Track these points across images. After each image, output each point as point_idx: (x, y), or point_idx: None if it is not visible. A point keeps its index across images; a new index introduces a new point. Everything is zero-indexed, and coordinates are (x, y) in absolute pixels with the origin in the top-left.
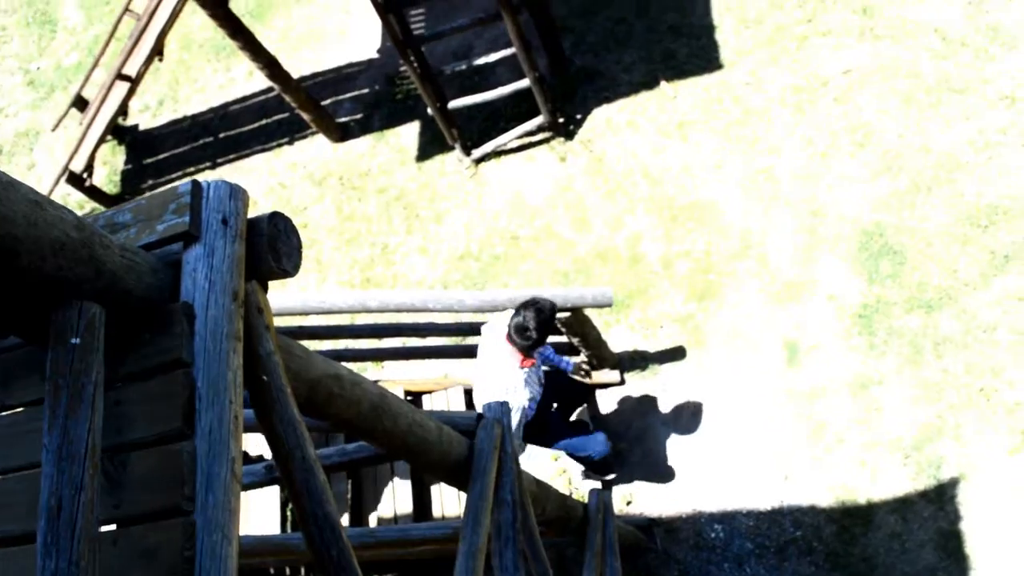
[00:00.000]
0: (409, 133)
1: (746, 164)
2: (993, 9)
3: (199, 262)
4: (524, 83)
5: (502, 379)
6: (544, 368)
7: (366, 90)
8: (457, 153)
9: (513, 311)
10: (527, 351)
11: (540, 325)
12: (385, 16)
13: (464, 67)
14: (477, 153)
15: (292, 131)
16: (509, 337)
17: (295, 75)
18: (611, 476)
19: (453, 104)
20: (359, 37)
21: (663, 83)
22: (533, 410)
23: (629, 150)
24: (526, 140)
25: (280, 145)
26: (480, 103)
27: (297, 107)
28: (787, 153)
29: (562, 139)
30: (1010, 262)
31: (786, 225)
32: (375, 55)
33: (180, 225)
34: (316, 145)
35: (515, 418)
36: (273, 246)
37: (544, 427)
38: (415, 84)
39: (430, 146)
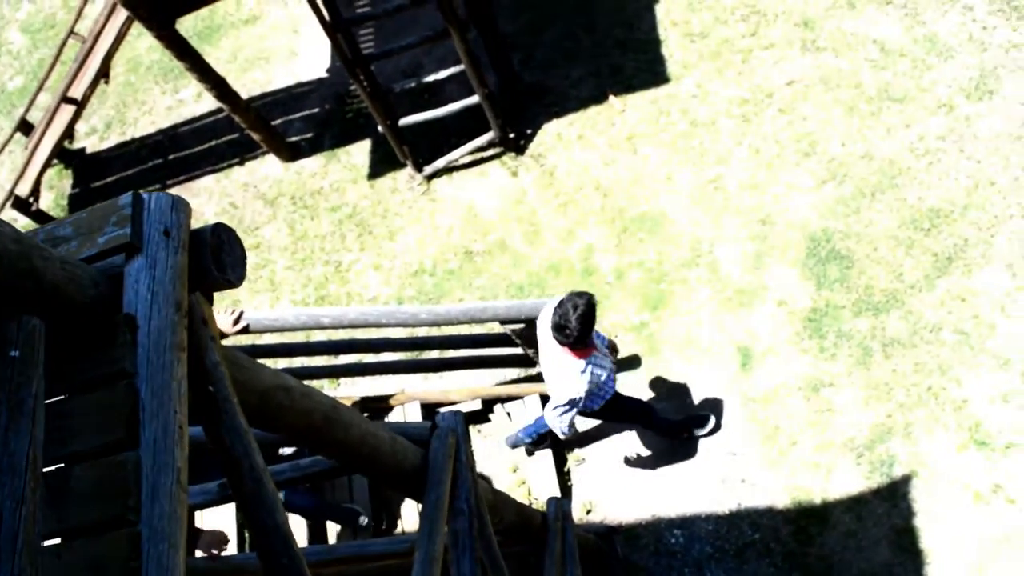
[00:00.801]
0: (360, 151)
1: (695, 175)
2: (929, 20)
3: (141, 273)
4: (474, 99)
5: (560, 371)
6: None
7: (316, 109)
8: (409, 170)
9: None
10: (573, 346)
11: (580, 319)
12: (333, 36)
13: (414, 85)
14: (429, 169)
15: (242, 152)
16: (554, 338)
17: (244, 96)
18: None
19: (404, 121)
20: (308, 57)
21: (611, 97)
22: (612, 387)
23: (580, 164)
24: (477, 156)
25: (231, 166)
26: (430, 120)
27: (247, 127)
28: (735, 163)
29: (513, 154)
30: (952, 263)
31: (736, 233)
32: (325, 74)
33: (121, 237)
34: (267, 165)
35: (564, 417)
36: (217, 257)
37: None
38: (365, 102)
39: (382, 164)
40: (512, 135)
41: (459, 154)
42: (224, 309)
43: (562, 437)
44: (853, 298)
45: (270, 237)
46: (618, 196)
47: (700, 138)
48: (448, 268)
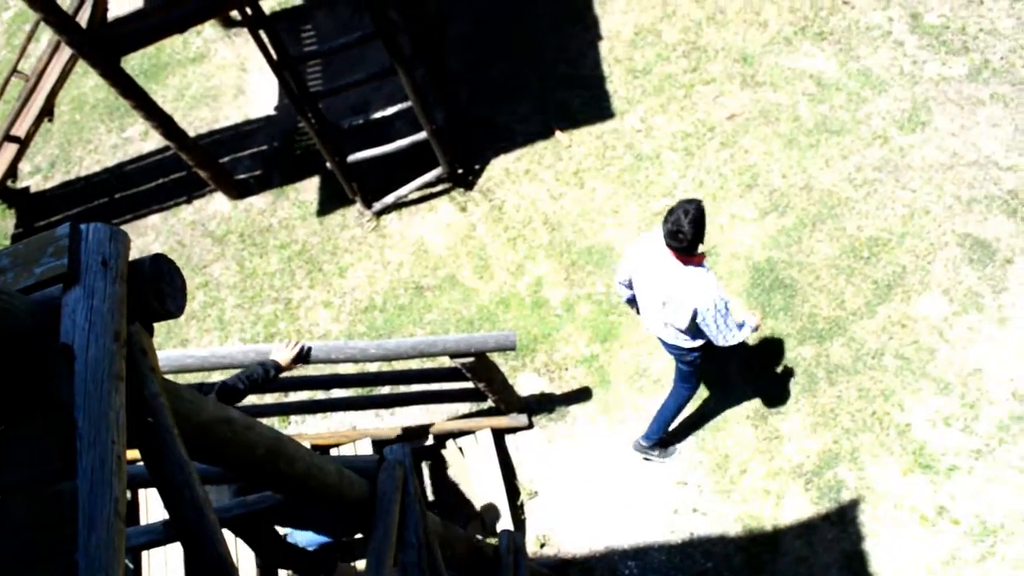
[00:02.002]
0: (309, 188)
1: (641, 207)
2: (862, 55)
3: (78, 304)
4: (422, 136)
5: (688, 284)
6: None
7: (265, 147)
8: (358, 206)
9: (664, 216)
10: (688, 252)
11: (692, 223)
12: (281, 73)
13: (362, 121)
14: (378, 206)
15: (190, 189)
16: (668, 246)
17: (192, 134)
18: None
19: (352, 158)
20: (256, 94)
21: (558, 133)
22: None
23: (528, 198)
24: (426, 191)
25: (178, 204)
26: (379, 156)
27: (194, 165)
28: (679, 195)
29: (462, 189)
30: (892, 291)
31: None
32: (273, 112)
33: (58, 267)
34: (215, 203)
35: (729, 322)
36: (156, 287)
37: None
38: (313, 139)
39: (331, 200)
40: (461, 171)
41: (408, 190)
42: (284, 343)
43: (731, 343)
44: (797, 326)
45: (218, 275)
46: (566, 230)
47: (645, 171)
48: (398, 304)
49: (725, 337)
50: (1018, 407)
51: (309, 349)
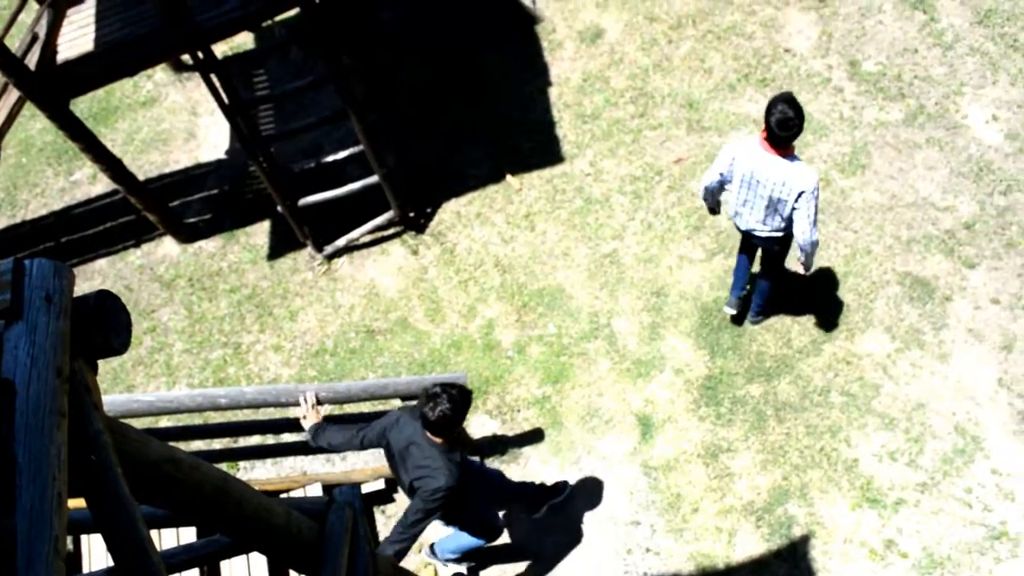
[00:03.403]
0: (260, 232)
1: (591, 250)
2: (804, 101)
3: (21, 339)
4: (373, 179)
5: (788, 172)
6: None
7: (215, 190)
8: (309, 250)
9: (766, 113)
10: (789, 143)
11: (798, 112)
12: (232, 117)
13: (314, 165)
14: (329, 249)
15: (138, 233)
16: (770, 139)
17: (141, 177)
18: None
19: (303, 202)
20: (207, 138)
21: (509, 176)
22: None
23: (479, 241)
24: (378, 235)
25: (126, 248)
26: (330, 200)
27: (143, 209)
28: (629, 238)
29: (414, 233)
30: (836, 328)
31: (632, 305)
32: (224, 156)
33: (1, 302)
34: (164, 247)
35: (806, 206)
36: (100, 324)
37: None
38: (265, 183)
39: (282, 244)
40: (412, 214)
41: (359, 233)
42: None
43: (814, 238)
44: (746, 365)
45: (166, 320)
46: (517, 272)
47: (595, 214)
48: (350, 347)
49: (812, 229)
50: (961, 440)
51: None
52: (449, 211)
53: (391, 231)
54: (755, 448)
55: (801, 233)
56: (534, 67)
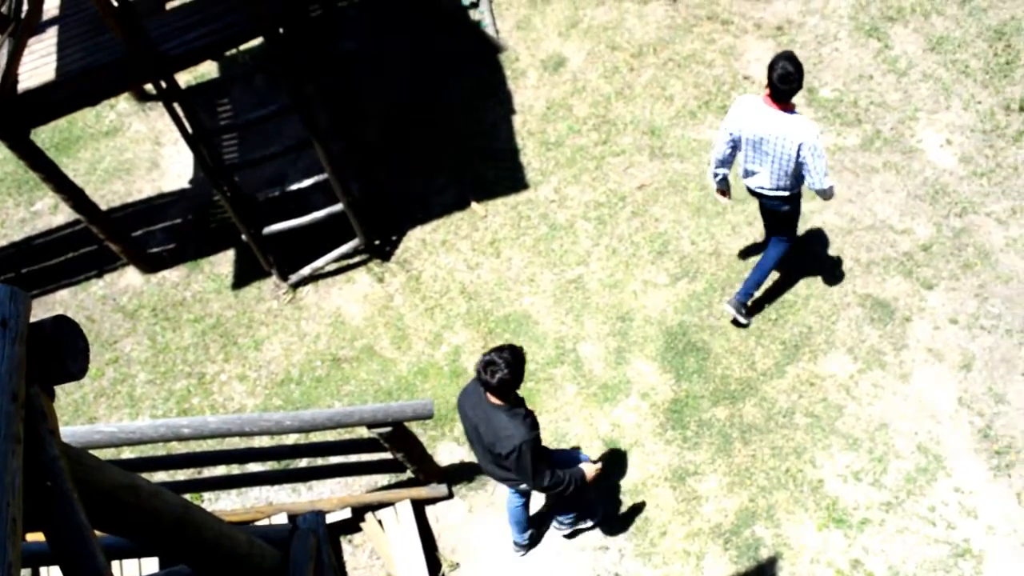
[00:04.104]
0: (224, 261)
1: (557, 276)
2: None
3: None
4: (338, 207)
5: (789, 127)
6: None
7: (179, 220)
8: (274, 279)
9: (768, 70)
10: (790, 96)
11: (797, 67)
12: (196, 146)
13: (278, 193)
14: (294, 278)
15: (101, 264)
16: (772, 93)
17: (104, 207)
18: None
19: (268, 230)
20: (171, 168)
21: (474, 204)
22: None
23: (445, 268)
24: (343, 263)
25: (88, 279)
26: (295, 228)
27: (105, 239)
28: (593, 263)
29: (379, 260)
30: (799, 351)
31: (597, 330)
32: (188, 185)
33: None
34: (127, 277)
35: (811, 156)
36: (57, 349)
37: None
38: (229, 212)
39: (246, 273)
40: (378, 242)
41: (325, 261)
42: None
43: (826, 186)
44: (711, 388)
45: (129, 351)
46: (483, 299)
47: (560, 240)
48: (315, 376)
49: (823, 177)
50: (923, 459)
51: None
52: (414, 238)
53: (356, 259)
54: (722, 471)
55: (813, 183)
56: (498, 95)
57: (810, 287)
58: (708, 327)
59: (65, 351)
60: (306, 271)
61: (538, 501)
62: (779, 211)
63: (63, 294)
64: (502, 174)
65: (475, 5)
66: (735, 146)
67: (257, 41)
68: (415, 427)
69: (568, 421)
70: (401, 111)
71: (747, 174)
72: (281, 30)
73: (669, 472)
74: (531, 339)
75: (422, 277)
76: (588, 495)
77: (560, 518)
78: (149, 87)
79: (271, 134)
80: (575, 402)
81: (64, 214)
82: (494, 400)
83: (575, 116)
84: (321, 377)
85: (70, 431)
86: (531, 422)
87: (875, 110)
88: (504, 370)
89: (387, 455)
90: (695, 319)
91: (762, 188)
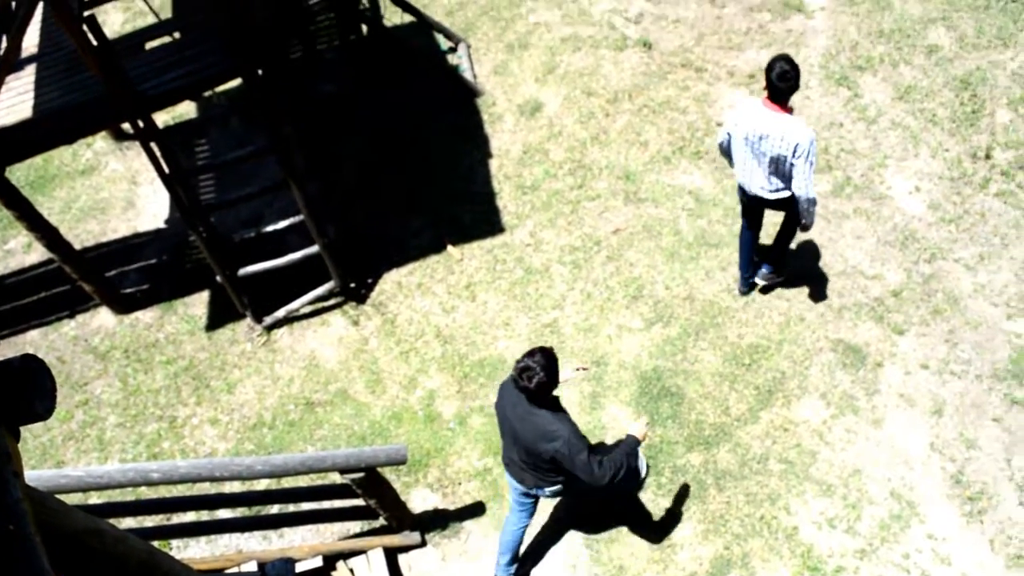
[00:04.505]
0: (198, 302)
1: (532, 319)
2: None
3: None
4: (314, 249)
5: (785, 128)
6: None
7: (154, 260)
8: (248, 321)
9: (766, 71)
10: (789, 95)
11: (794, 67)
12: (172, 186)
13: (254, 235)
14: (269, 320)
15: (73, 304)
16: (771, 93)
17: (78, 246)
18: None
19: (243, 272)
20: (146, 207)
21: (450, 247)
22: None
23: (420, 311)
24: (319, 305)
25: (59, 319)
26: (270, 270)
27: (78, 279)
28: (568, 307)
29: (355, 303)
30: (773, 396)
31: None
32: (163, 225)
33: None
34: (99, 318)
35: (804, 159)
36: (24, 389)
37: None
38: (204, 253)
39: (221, 315)
40: (353, 284)
41: (299, 304)
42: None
43: (811, 194)
44: (685, 433)
45: (100, 393)
46: (458, 342)
47: (535, 284)
48: (288, 420)
49: (808, 184)
50: (896, 506)
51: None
52: (390, 281)
53: (332, 301)
54: (696, 518)
55: (798, 189)
56: (475, 139)
57: (783, 332)
58: (682, 372)
59: (32, 391)
60: (281, 313)
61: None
62: (787, 210)
63: (33, 334)
64: (478, 217)
65: (453, 50)
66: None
67: (236, 82)
68: (388, 473)
69: None
70: (379, 154)
71: (743, 178)
72: (260, 72)
73: (644, 520)
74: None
75: (397, 320)
76: (634, 461)
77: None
78: (126, 126)
79: (248, 175)
80: None
81: (37, 253)
82: (533, 403)
83: (551, 160)
84: (294, 421)
85: (36, 475)
86: (570, 418)
87: (845, 157)
88: (540, 373)
89: (360, 501)
90: (669, 364)
91: (763, 191)
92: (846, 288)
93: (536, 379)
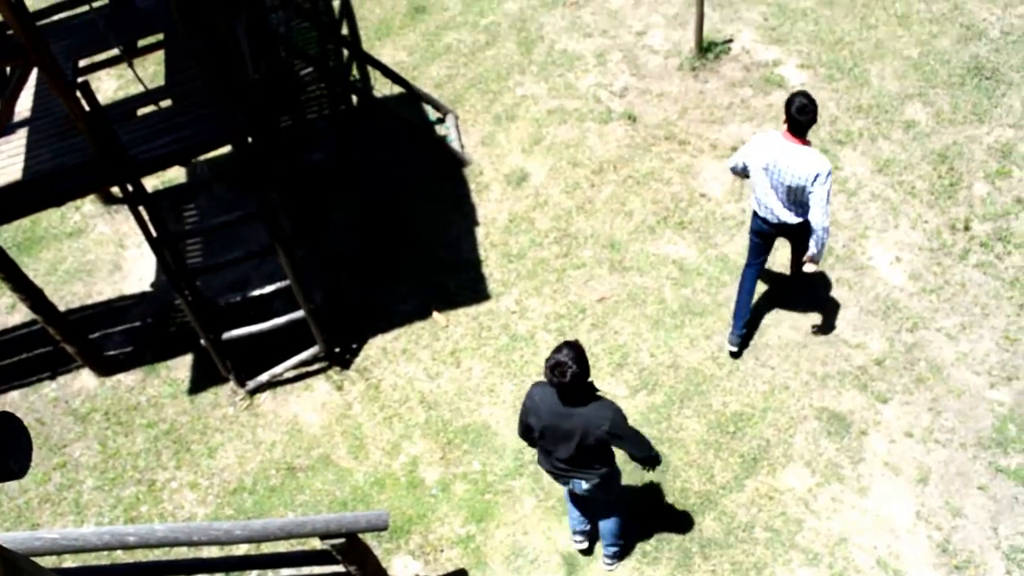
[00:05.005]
0: (182, 366)
1: (517, 386)
2: (719, 243)
3: None
4: (299, 314)
5: (803, 160)
6: None
7: (138, 323)
8: (231, 384)
9: (786, 105)
10: (807, 128)
11: (811, 101)
12: (159, 250)
13: (239, 299)
14: (252, 384)
15: (55, 365)
16: (791, 126)
17: (63, 308)
18: None
19: (227, 335)
20: (133, 270)
21: (436, 313)
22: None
23: (405, 377)
24: (303, 369)
25: (40, 380)
26: (255, 334)
27: (61, 340)
28: None
29: (339, 368)
30: (758, 464)
31: None
32: (149, 288)
33: None
34: (81, 380)
35: (823, 187)
36: None
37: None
38: (189, 316)
39: (204, 378)
40: (338, 349)
41: (283, 368)
42: None
43: (826, 223)
44: (670, 501)
45: (78, 455)
46: (443, 409)
47: (520, 351)
48: (269, 485)
49: (824, 215)
50: (883, 575)
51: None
52: (375, 347)
53: (316, 366)
54: None
55: (814, 217)
56: (462, 208)
57: (767, 400)
58: (667, 440)
59: (6, 449)
60: (264, 377)
61: None
62: (796, 241)
63: (14, 395)
64: (464, 285)
65: (441, 121)
66: (745, 170)
67: (226, 149)
68: (370, 539)
69: (526, 535)
70: (366, 220)
71: (762, 206)
72: (250, 140)
73: None
74: (490, 450)
75: (381, 386)
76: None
77: (615, 543)
78: (116, 190)
79: (236, 239)
80: (534, 515)
81: (21, 313)
82: (571, 396)
83: (537, 229)
84: (275, 486)
85: (10, 536)
86: (609, 400)
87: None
88: (573, 366)
89: (340, 568)
90: (654, 431)
91: (788, 220)
92: (830, 356)
93: (570, 372)
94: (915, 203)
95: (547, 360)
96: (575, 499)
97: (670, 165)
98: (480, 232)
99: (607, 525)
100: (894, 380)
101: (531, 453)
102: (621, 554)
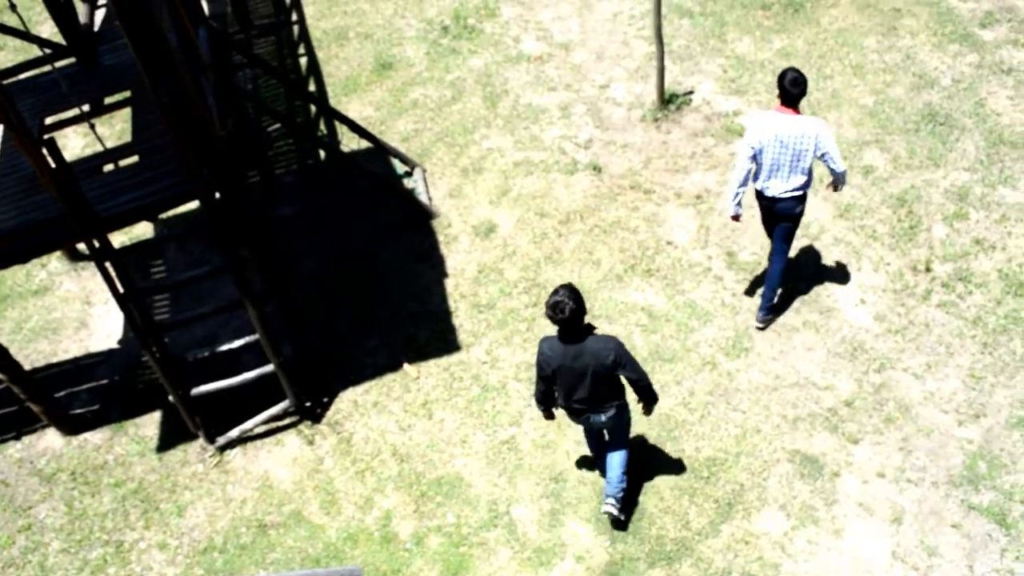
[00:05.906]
0: (150, 423)
1: (489, 437)
2: (687, 289)
3: None
4: (269, 368)
5: (803, 127)
6: None
7: (105, 380)
8: (201, 441)
9: (779, 80)
10: (799, 99)
11: (802, 74)
12: (125, 306)
13: (208, 354)
14: (222, 440)
15: (20, 425)
16: (784, 99)
17: (28, 367)
18: None
19: (196, 391)
20: (99, 328)
21: (406, 365)
22: None
23: (377, 430)
24: (273, 425)
25: (5, 440)
26: (224, 389)
27: (26, 399)
28: (526, 424)
29: (309, 422)
30: (733, 508)
31: (531, 492)
32: (116, 345)
33: None
34: (47, 439)
35: (829, 140)
36: None
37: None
38: (157, 373)
39: (172, 435)
40: (308, 403)
41: (254, 423)
42: None
43: (844, 168)
44: (646, 549)
45: (43, 517)
46: (415, 461)
47: (492, 401)
48: (240, 543)
49: (838, 157)
50: None
51: None
52: (346, 400)
53: (286, 421)
54: None
55: (836, 167)
56: (430, 259)
57: (740, 444)
58: (641, 487)
59: None
60: (234, 433)
61: None
62: (793, 212)
63: None
64: (435, 336)
65: (409, 174)
66: (755, 159)
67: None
68: None
69: None
70: (335, 273)
71: (763, 189)
72: (218, 195)
73: None
74: (463, 502)
75: (353, 439)
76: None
77: (620, 481)
78: (82, 246)
79: (204, 294)
80: (509, 567)
81: None
82: (575, 335)
83: (506, 279)
84: (246, 544)
85: None
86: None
87: (792, 271)
88: (570, 303)
89: None
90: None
91: (785, 192)
92: (799, 399)
93: (568, 308)
94: (877, 246)
95: (547, 302)
96: (590, 434)
97: (636, 214)
98: (449, 283)
99: (615, 458)
100: (864, 421)
101: (506, 504)
102: (623, 499)
